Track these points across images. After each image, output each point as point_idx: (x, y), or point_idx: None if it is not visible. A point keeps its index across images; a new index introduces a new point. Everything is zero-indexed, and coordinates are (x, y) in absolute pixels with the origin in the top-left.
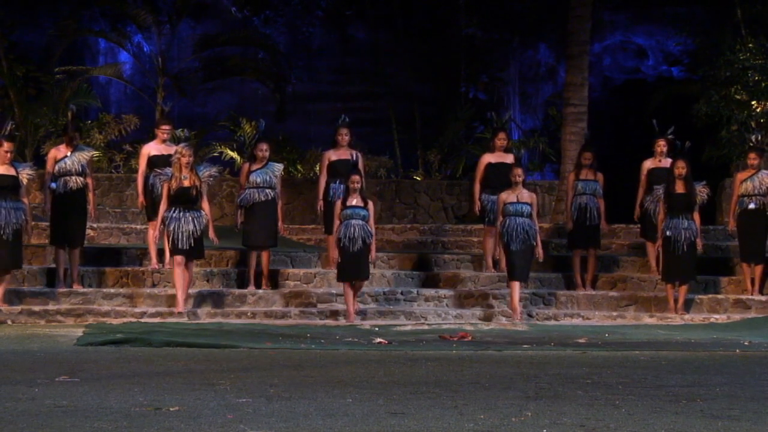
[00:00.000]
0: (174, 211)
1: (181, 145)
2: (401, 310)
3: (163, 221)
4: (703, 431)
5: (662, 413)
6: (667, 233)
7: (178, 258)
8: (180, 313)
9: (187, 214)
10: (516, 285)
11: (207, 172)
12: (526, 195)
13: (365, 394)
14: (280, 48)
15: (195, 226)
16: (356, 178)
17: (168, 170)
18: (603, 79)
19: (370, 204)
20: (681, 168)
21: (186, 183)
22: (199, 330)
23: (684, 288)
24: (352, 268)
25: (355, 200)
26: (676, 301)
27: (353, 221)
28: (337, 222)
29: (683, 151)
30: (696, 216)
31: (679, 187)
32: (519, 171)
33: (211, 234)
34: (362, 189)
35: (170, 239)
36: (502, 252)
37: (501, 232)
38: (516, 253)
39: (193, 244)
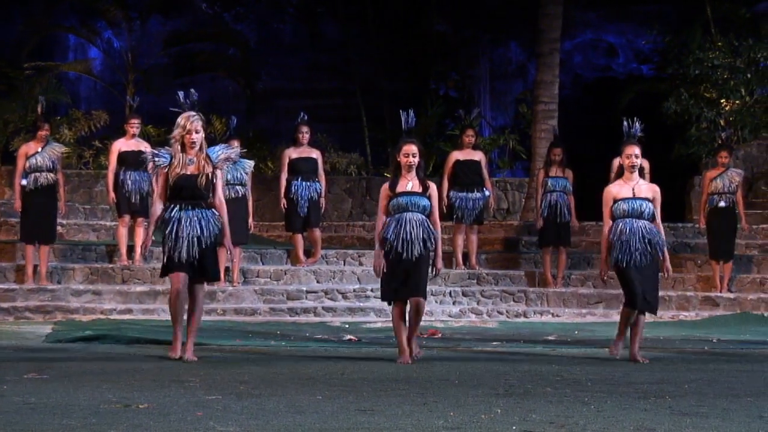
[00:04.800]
0: (173, 210)
1: (187, 114)
2: (371, 307)
3: (158, 222)
4: (671, 428)
5: (631, 410)
6: None
7: (176, 278)
8: (181, 358)
9: (192, 213)
10: (643, 318)
11: (223, 153)
12: (645, 188)
13: (335, 391)
14: (251, 44)
15: (205, 231)
16: (412, 148)
17: (165, 151)
18: (573, 76)
19: (433, 188)
20: None
21: (192, 169)
22: (168, 327)
23: None
24: (403, 283)
25: (410, 183)
26: None
27: (408, 215)
28: (381, 216)
29: None
30: None
31: None
32: (636, 150)
33: (228, 243)
34: (420, 167)
35: (166, 249)
36: (610, 268)
37: (610, 242)
38: (635, 272)
39: (201, 261)
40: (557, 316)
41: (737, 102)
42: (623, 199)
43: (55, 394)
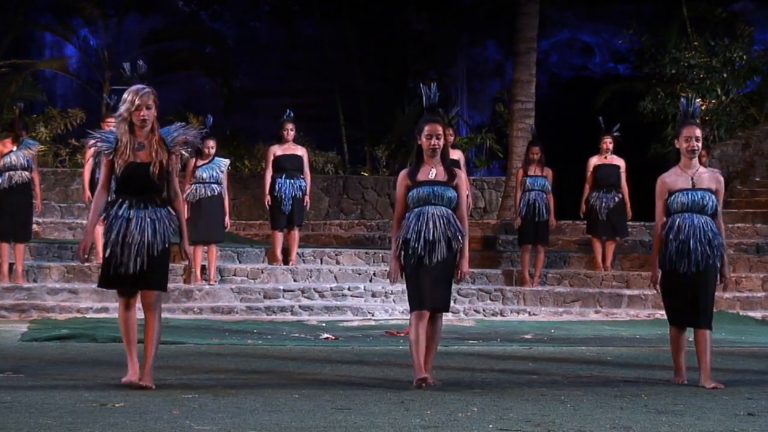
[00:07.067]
0: (121, 207)
1: (135, 88)
2: (348, 305)
3: (103, 219)
4: (647, 426)
5: (607, 408)
6: None
7: (124, 302)
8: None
9: (144, 213)
10: (707, 335)
11: (180, 136)
12: (707, 177)
13: (311, 389)
14: (228, 43)
15: (158, 235)
16: (437, 129)
17: (110, 133)
18: (550, 75)
19: (460, 177)
20: None
21: (142, 156)
22: (142, 324)
23: None
24: (425, 291)
25: (433, 170)
26: None
27: (431, 209)
28: (399, 210)
29: None
30: None
31: None
32: (697, 132)
33: (186, 247)
34: (446, 152)
35: (106, 257)
36: (658, 275)
37: (664, 239)
38: (690, 280)
39: (146, 268)
40: (534, 314)
41: (713, 101)
42: (681, 191)
43: (31, 392)
